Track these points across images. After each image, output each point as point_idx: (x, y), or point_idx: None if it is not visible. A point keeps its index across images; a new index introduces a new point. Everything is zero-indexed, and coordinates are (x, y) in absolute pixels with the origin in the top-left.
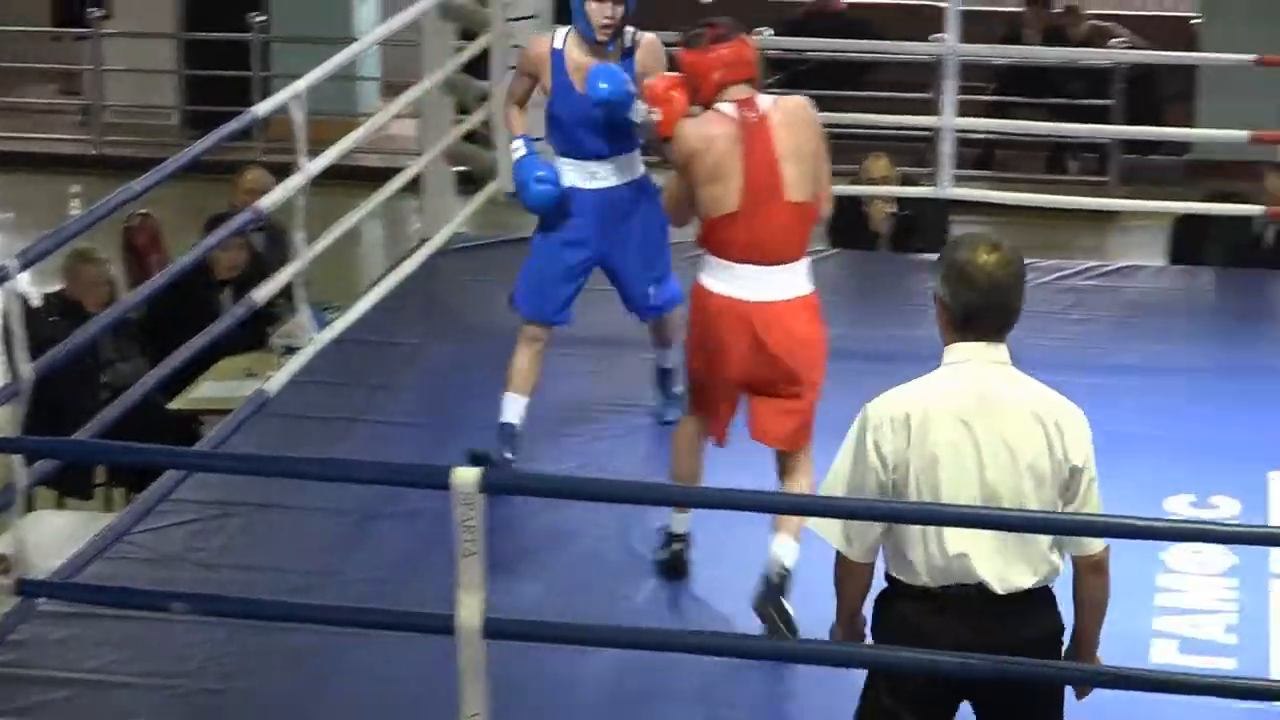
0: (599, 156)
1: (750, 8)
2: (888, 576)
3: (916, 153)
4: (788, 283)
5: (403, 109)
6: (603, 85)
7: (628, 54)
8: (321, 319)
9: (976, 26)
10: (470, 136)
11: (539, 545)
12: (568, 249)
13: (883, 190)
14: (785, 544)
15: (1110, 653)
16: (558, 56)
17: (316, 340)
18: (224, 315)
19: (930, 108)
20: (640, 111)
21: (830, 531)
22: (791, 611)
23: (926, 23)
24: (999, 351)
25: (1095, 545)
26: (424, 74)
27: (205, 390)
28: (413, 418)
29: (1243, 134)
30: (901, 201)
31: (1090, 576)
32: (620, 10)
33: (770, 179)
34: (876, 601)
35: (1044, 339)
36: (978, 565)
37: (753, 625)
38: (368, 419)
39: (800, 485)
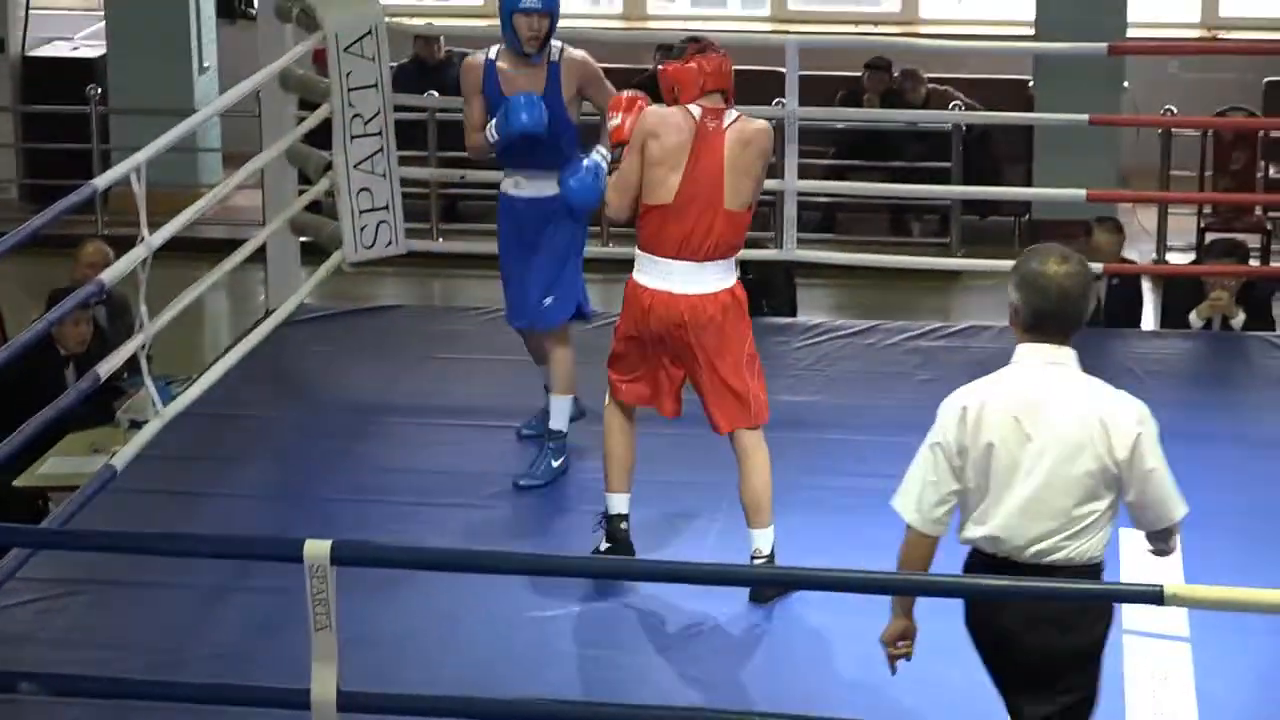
0: (526, 167)
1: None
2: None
3: (760, 216)
4: (715, 278)
5: (245, 180)
6: (524, 117)
7: (554, 67)
8: (167, 393)
9: (816, 91)
10: (314, 206)
11: (400, 614)
12: (509, 261)
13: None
14: (762, 532)
15: (969, 712)
16: (490, 66)
17: (163, 414)
18: (69, 390)
19: (773, 171)
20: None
21: (903, 507)
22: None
23: (767, 88)
24: (1062, 354)
25: (1177, 512)
26: (265, 144)
27: (51, 466)
28: (263, 491)
29: (1080, 192)
30: (745, 264)
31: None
32: (546, 24)
33: (711, 184)
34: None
35: (891, 399)
36: (1018, 539)
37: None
38: (217, 493)
39: (750, 465)
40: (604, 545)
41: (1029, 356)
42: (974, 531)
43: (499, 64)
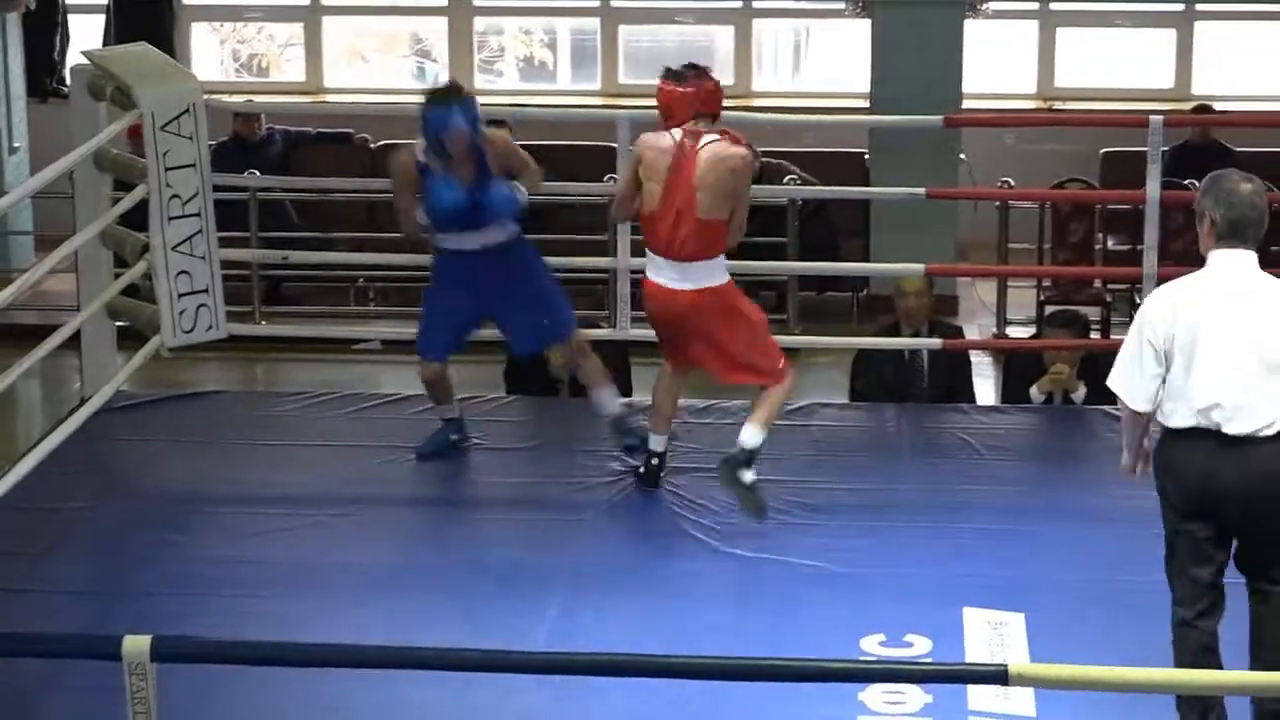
0: (473, 228)
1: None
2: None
3: (594, 295)
4: (701, 276)
5: (58, 263)
6: (446, 196)
7: (480, 153)
8: None
9: None
10: (131, 290)
11: (225, 713)
12: (447, 301)
13: None
14: (751, 429)
15: None
16: (423, 168)
17: None
18: None
19: (604, 249)
20: None
21: (1117, 387)
22: (748, 481)
23: (599, 163)
24: (1250, 256)
25: None
26: (79, 226)
27: None
28: (80, 586)
29: (918, 267)
30: None
31: None
32: (469, 137)
33: (685, 196)
34: (1156, 445)
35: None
36: (1217, 414)
37: None
38: (31, 589)
39: (761, 406)
40: (640, 469)
41: (1222, 260)
42: (1178, 410)
43: (430, 163)
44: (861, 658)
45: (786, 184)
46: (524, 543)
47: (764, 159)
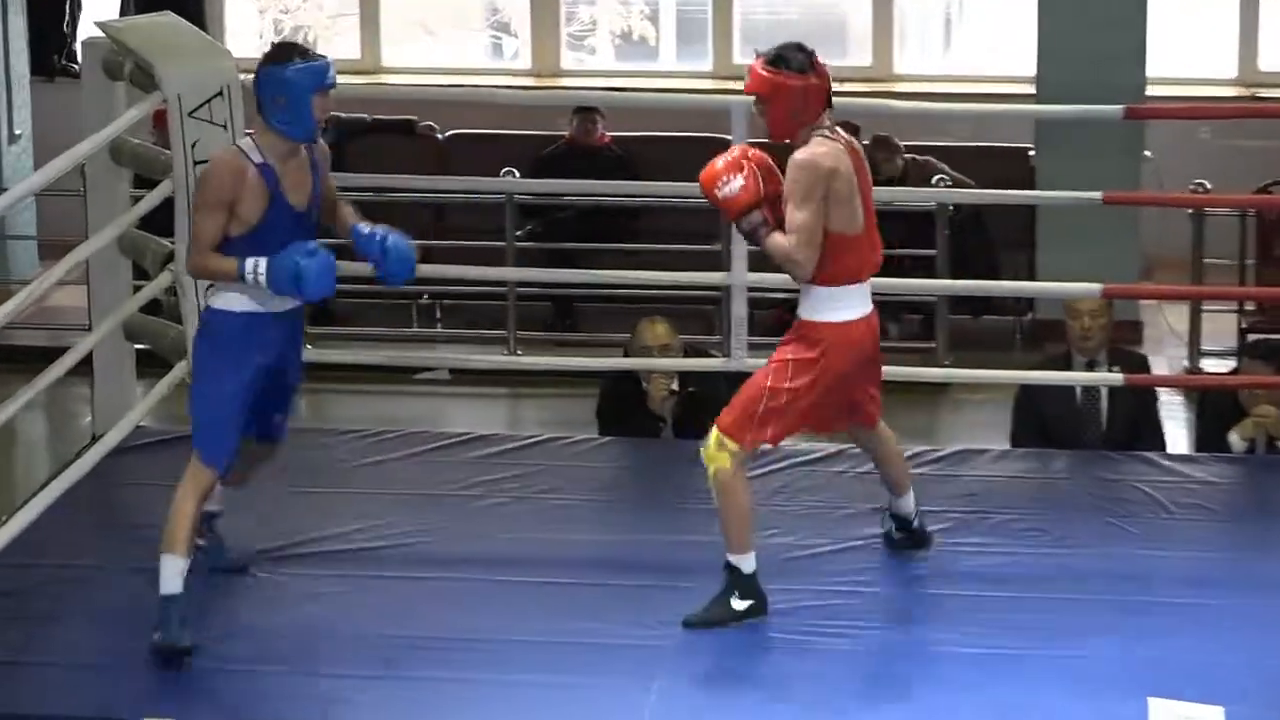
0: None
1: (492, 145)
2: None
3: (703, 316)
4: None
5: (67, 274)
6: (325, 286)
7: (313, 156)
8: None
9: None
10: (152, 307)
11: None
12: (243, 382)
13: (663, 364)
14: (911, 498)
15: None
16: (268, 172)
17: None
18: None
19: (717, 261)
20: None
21: None
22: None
23: (708, 159)
24: None
25: None
26: (91, 231)
27: None
28: (87, 658)
29: (1094, 287)
30: (685, 377)
31: None
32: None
33: (870, 200)
34: None
35: (866, 539)
36: None
37: None
38: (29, 661)
39: (887, 447)
40: (744, 605)
41: None
42: None
43: (271, 162)
44: None
45: (935, 185)
46: (619, 610)
47: (907, 155)
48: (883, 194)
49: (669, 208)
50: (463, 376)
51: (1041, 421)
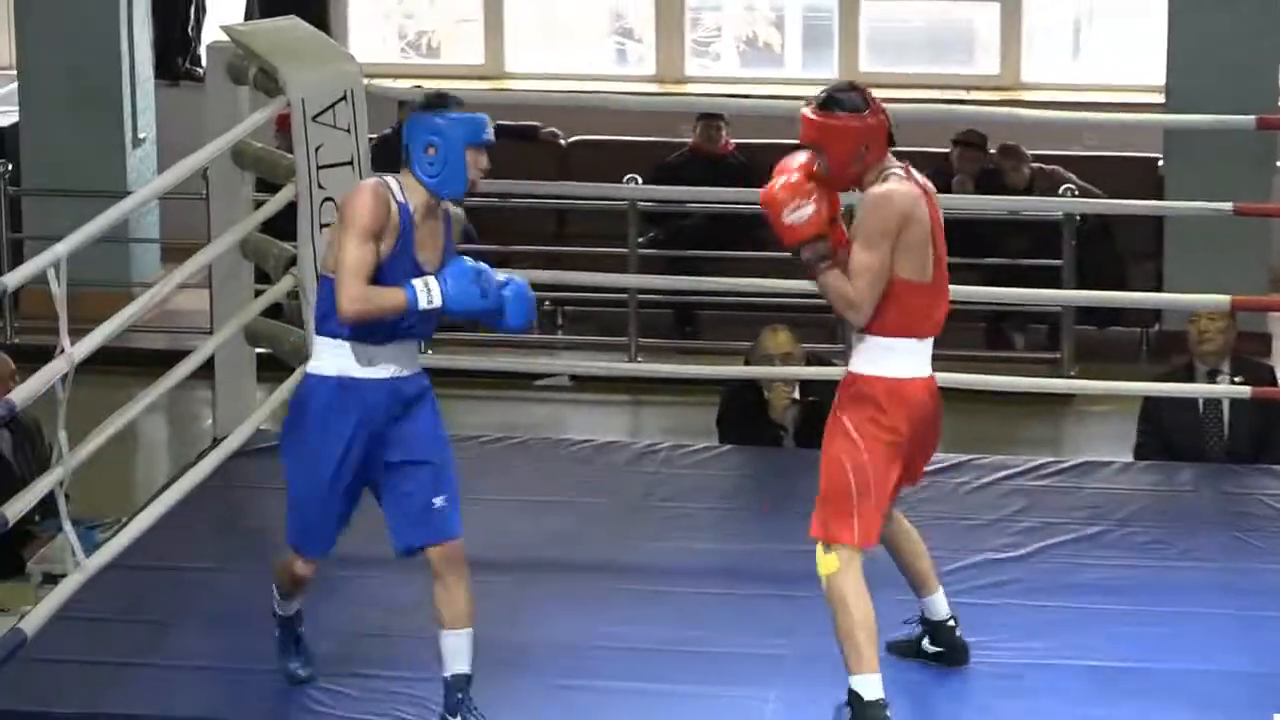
0: (392, 339)
1: (615, 151)
2: None
3: (825, 325)
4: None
5: (189, 278)
6: (525, 314)
7: (447, 218)
8: (90, 539)
9: None
10: (274, 311)
11: None
12: (331, 460)
13: (784, 372)
14: (941, 595)
15: None
16: (405, 214)
17: (84, 566)
18: None
19: None
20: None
21: None
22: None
23: None
24: None
25: None
26: (214, 234)
27: None
28: (205, 661)
29: (1223, 299)
30: (807, 385)
31: None
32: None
33: (943, 250)
34: None
35: (987, 551)
36: None
37: None
38: (148, 663)
39: (916, 534)
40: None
41: None
42: None
43: (412, 210)
44: None
45: (1062, 195)
46: (738, 620)
47: (1034, 165)
48: (1009, 203)
49: None
50: (584, 383)
51: (1165, 434)
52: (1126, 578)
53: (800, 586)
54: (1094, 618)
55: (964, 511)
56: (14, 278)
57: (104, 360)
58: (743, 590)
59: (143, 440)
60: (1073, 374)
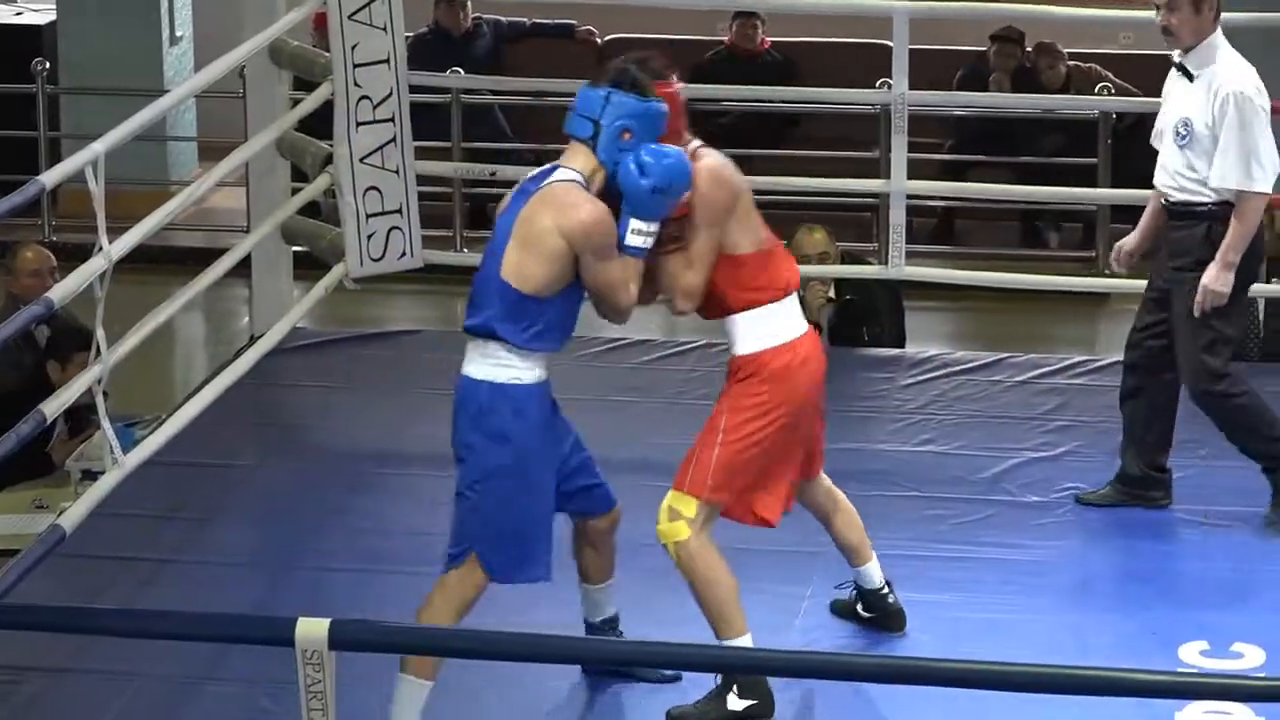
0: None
1: (652, 49)
2: None
3: (860, 224)
4: None
5: (226, 176)
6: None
7: None
8: (128, 437)
9: (930, 69)
10: (310, 209)
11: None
12: (553, 466)
13: (820, 270)
14: (875, 564)
15: None
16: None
17: (122, 463)
18: (8, 434)
19: (875, 168)
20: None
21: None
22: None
23: (870, 65)
24: None
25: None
26: (251, 133)
27: None
28: (244, 557)
29: None
30: (842, 284)
31: None
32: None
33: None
34: None
35: (1023, 451)
36: None
37: None
38: (187, 559)
39: (848, 503)
40: (743, 705)
41: None
42: None
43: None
44: (1180, 669)
45: (1099, 94)
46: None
47: (1070, 63)
48: (1045, 102)
49: (829, 114)
50: None
51: None
52: None
53: (838, 482)
54: (1119, 520)
55: (999, 409)
56: (52, 176)
57: (141, 258)
58: None
59: (180, 338)
60: (1108, 272)
